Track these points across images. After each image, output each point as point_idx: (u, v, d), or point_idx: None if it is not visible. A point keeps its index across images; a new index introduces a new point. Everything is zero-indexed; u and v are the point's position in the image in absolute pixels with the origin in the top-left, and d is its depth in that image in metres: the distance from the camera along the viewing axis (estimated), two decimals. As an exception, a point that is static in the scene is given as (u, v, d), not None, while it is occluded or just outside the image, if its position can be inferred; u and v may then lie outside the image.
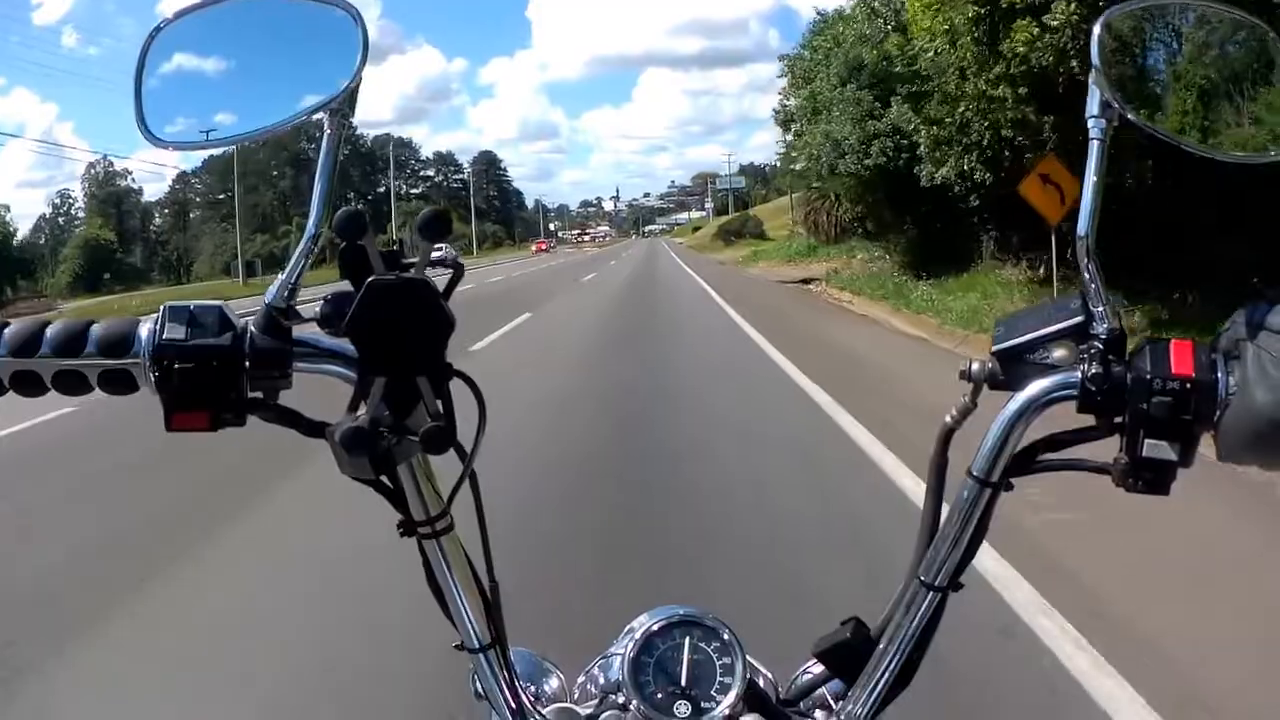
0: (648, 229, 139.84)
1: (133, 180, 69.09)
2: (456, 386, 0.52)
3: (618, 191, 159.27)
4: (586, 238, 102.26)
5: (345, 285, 0.51)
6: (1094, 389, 0.52)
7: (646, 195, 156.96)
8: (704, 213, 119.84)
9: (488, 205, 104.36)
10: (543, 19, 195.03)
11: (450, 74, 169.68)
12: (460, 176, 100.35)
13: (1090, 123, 0.55)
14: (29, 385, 0.54)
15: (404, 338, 0.51)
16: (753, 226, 55.77)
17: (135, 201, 69.34)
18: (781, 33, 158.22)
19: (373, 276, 0.51)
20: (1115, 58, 0.58)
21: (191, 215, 73.24)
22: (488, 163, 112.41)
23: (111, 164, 67.03)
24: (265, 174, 72.34)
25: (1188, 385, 0.51)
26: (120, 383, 0.54)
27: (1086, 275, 0.54)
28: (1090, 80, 0.56)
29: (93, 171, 66.86)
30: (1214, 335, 0.53)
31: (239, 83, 0.58)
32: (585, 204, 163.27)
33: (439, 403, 0.52)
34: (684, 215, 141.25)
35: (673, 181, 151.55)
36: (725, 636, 0.63)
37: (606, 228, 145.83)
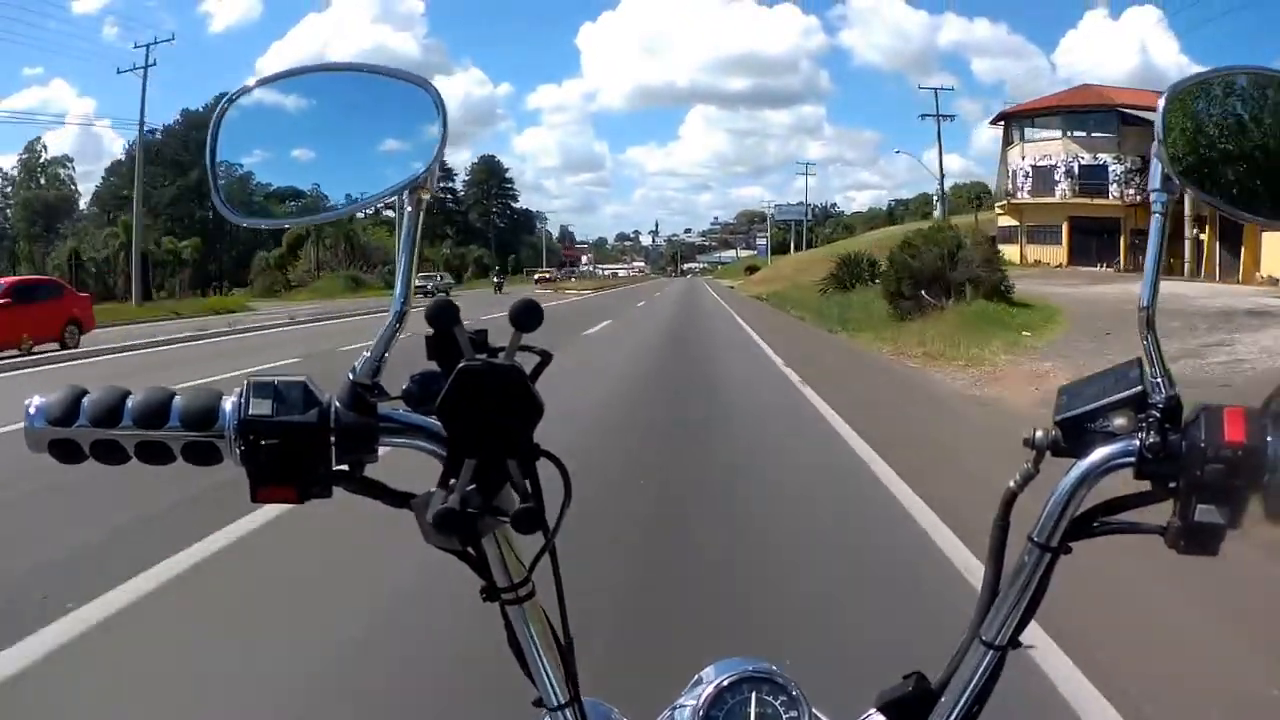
0: (686, 267, 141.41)
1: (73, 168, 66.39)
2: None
3: (657, 226, 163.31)
4: (559, 274, 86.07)
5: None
6: (1151, 457, 0.60)
7: (688, 231, 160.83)
8: (756, 250, 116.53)
9: (486, 224, 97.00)
10: (592, 48, 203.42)
11: (496, 98, 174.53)
12: (450, 186, 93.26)
13: (1153, 196, 0.64)
14: (111, 454, 0.62)
15: (494, 421, 0.59)
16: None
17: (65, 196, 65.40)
18: (831, 75, 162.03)
19: (463, 362, 0.58)
20: (1179, 131, 0.66)
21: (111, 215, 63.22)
22: (488, 171, 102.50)
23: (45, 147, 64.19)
24: (177, 163, 64.72)
25: (1239, 452, 0.58)
26: (204, 455, 0.62)
27: (1146, 345, 0.62)
28: (1152, 154, 0.64)
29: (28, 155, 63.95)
30: (1265, 402, 0.60)
31: (315, 156, 0.67)
32: (622, 236, 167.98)
33: (528, 483, 0.59)
34: (729, 253, 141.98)
35: (715, 218, 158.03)
36: (793, 692, 0.72)
37: (642, 263, 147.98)
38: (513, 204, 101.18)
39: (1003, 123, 44.42)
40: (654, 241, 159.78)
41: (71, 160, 67.24)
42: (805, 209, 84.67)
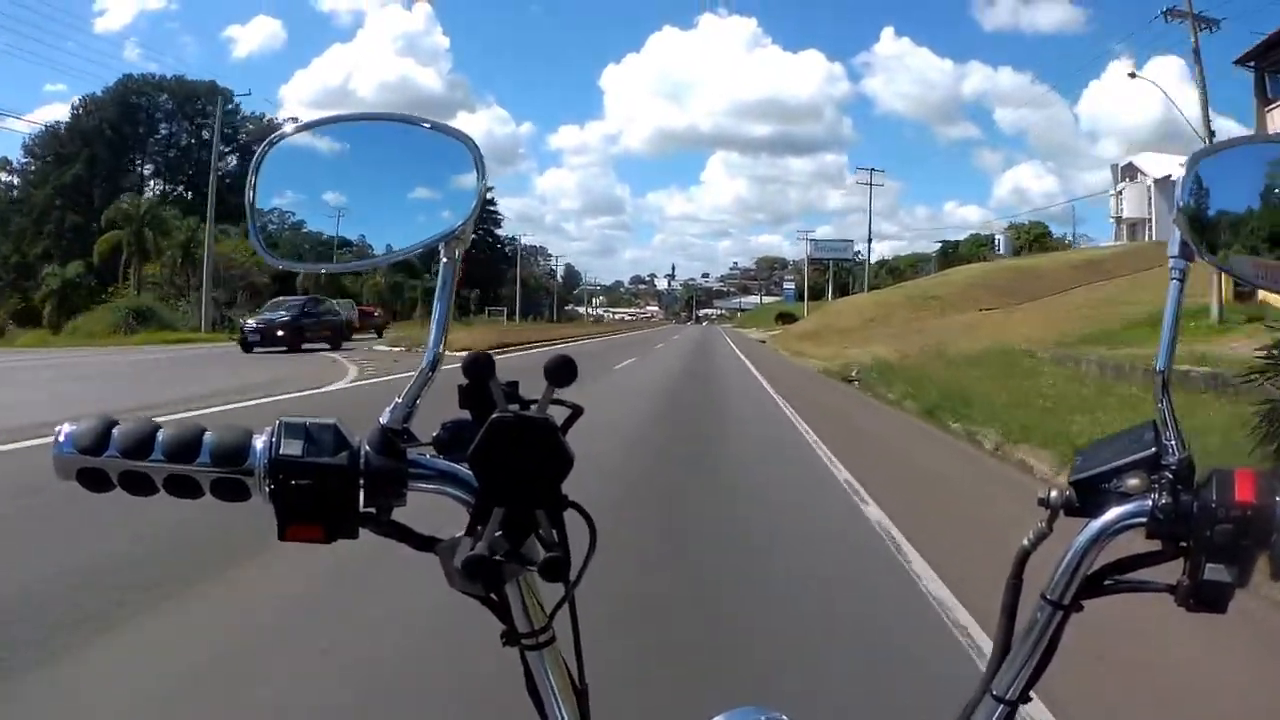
0: (703, 313, 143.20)
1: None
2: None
3: (673, 269, 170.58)
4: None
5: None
6: (1163, 518, 0.67)
7: (705, 276, 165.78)
8: (783, 296, 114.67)
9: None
10: (616, 90, 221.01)
11: (518, 137, 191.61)
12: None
13: (1171, 262, 0.72)
14: (140, 486, 0.69)
15: (524, 471, 0.65)
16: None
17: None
18: (855, 122, 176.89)
19: (496, 414, 0.65)
20: (1198, 200, 0.73)
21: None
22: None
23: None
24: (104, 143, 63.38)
25: (1248, 512, 0.65)
26: (233, 491, 0.69)
27: (1160, 408, 0.70)
28: (1172, 221, 0.72)
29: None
30: (1276, 465, 0.66)
31: (352, 203, 0.76)
32: (636, 280, 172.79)
33: (554, 532, 0.66)
34: (750, 299, 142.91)
35: (735, 263, 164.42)
36: None
37: (655, 307, 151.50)
38: (494, 230, 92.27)
39: (1254, 69, 24.65)
40: (669, 285, 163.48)
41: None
42: (869, 237, 71.93)
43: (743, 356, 30.76)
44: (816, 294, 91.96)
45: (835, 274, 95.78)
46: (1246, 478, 0.67)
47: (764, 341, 48.69)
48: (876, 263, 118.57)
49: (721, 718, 0.81)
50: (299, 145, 0.74)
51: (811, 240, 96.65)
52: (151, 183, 68.76)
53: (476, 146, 0.70)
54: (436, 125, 0.72)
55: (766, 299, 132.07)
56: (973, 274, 52.77)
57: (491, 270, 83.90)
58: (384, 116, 0.74)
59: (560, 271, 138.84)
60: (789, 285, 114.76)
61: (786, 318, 78.65)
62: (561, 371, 0.66)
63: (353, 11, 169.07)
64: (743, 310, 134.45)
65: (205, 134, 69.32)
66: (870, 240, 69.79)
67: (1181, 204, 0.71)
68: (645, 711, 2.78)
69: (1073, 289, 37.75)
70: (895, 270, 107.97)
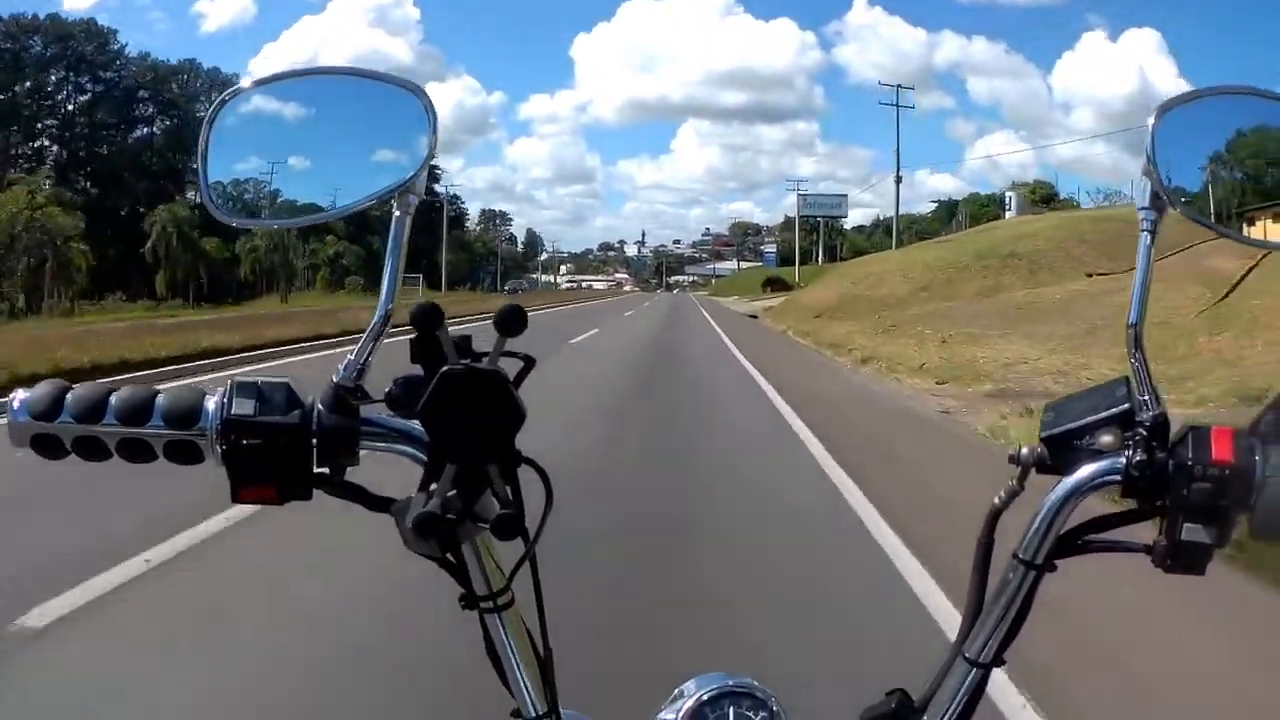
0: (674, 279, 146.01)
1: None
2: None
3: (643, 236, 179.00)
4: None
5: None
6: (1138, 475, 0.71)
7: (677, 242, 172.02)
8: (763, 260, 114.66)
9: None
10: (586, 59, 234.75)
11: (489, 107, 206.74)
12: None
13: (1141, 214, 0.77)
14: (93, 450, 0.73)
15: (476, 426, 0.69)
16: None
17: None
18: (827, 91, 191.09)
19: (446, 366, 0.68)
20: (1167, 150, 0.77)
21: None
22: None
23: None
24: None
25: (1226, 471, 0.69)
26: (186, 454, 0.73)
27: (1134, 363, 0.74)
28: (1142, 172, 0.77)
29: None
30: (1253, 422, 0.72)
31: (306, 159, 0.80)
32: (605, 247, 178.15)
33: (508, 490, 0.69)
34: (726, 265, 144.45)
35: (707, 229, 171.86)
36: (773, 707, 0.84)
37: (625, 275, 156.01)
38: (433, 187, 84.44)
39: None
40: (640, 252, 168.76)
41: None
42: (898, 176, 62.89)
43: (707, 321, 33.54)
44: (800, 257, 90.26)
45: (826, 234, 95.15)
46: (1224, 435, 0.70)
47: (755, 317, 40.69)
48: (871, 224, 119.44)
49: (692, 683, 0.87)
50: (253, 103, 0.78)
51: (800, 195, 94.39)
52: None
53: (427, 97, 0.74)
54: (387, 77, 0.76)
55: (743, 265, 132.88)
56: (1056, 226, 43.81)
57: (433, 235, 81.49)
58: (337, 70, 0.79)
59: (521, 237, 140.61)
60: (769, 249, 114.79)
61: (776, 284, 73.07)
62: (511, 322, 0.69)
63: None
64: (718, 276, 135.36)
65: (90, 86, 69.43)
66: (899, 179, 60.69)
67: (1150, 155, 0.75)
68: (613, 676, 2.91)
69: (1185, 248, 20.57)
70: (889, 231, 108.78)
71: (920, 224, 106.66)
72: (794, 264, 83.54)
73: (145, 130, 76.73)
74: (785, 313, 38.15)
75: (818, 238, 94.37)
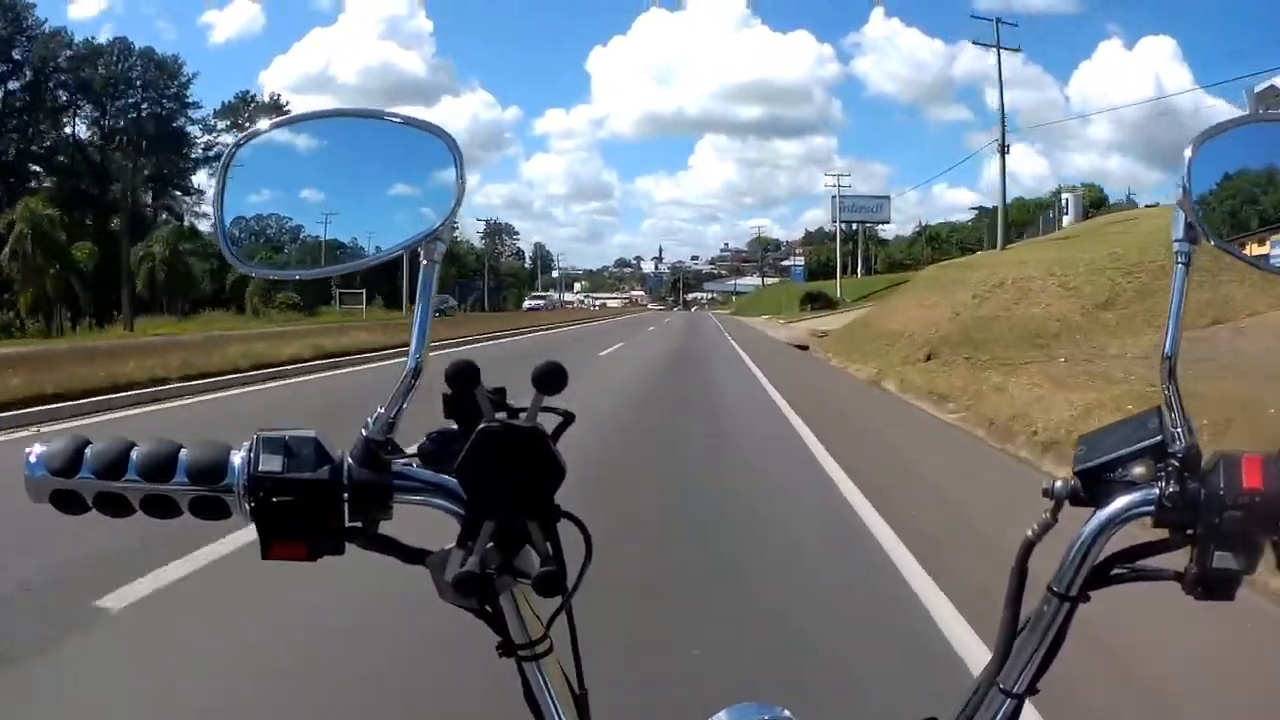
0: (691, 297, 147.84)
1: None
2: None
3: (660, 252, 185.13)
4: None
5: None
6: (1170, 506, 0.76)
7: (694, 259, 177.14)
8: (792, 275, 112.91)
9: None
10: (603, 74, 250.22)
11: (504, 122, 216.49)
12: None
13: (1175, 246, 0.82)
14: (116, 507, 0.77)
15: (514, 483, 0.73)
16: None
17: None
18: (844, 104, 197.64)
19: (483, 424, 0.73)
20: (1203, 182, 0.82)
21: None
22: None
23: None
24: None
25: (1257, 498, 0.75)
26: (212, 510, 0.77)
27: (1167, 394, 0.80)
28: (1176, 203, 0.82)
29: None
30: None
31: (328, 203, 0.84)
32: (621, 263, 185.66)
33: (548, 545, 0.73)
34: (748, 280, 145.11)
35: (725, 244, 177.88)
36: None
37: (641, 292, 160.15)
38: None
39: None
40: (656, 269, 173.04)
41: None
42: (1002, 145, 45.03)
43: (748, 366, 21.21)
44: (829, 272, 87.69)
45: (863, 242, 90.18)
46: (1254, 463, 0.76)
47: (805, 348, 28.80)
48: (914, 232, 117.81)
49: (723, 714, 0.92)
50: (272, 144, 0.82)
51: (837, 197, 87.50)
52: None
53: (455, 142, 0.78)
54: (412, 121, 0.80)
55: (766, 281, 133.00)
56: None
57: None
58: (359, 113, 0.83)
59: (530, 252, 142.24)
60: (796, 263, 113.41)
61: (816, 301, 66.27)
62: (550, 379, 0.73)
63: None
64: (738, 293, 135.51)
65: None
66: (1004, 149, 44.27)
67: (1185, 186, 0.80)
68: (645, 710, 3.04)
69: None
70: (935, 238, 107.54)
71: (961, 233, 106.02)
72: (831, 277, 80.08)
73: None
74: (855, 343, 25.05)
75: (855, 246, 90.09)
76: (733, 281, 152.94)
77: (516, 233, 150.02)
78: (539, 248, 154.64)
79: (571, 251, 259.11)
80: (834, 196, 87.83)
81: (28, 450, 0.78)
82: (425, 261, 0.78)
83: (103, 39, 73.80)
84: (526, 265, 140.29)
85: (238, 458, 0.76)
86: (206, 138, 74.46)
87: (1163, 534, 0.79)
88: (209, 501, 0.76)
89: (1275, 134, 0.88)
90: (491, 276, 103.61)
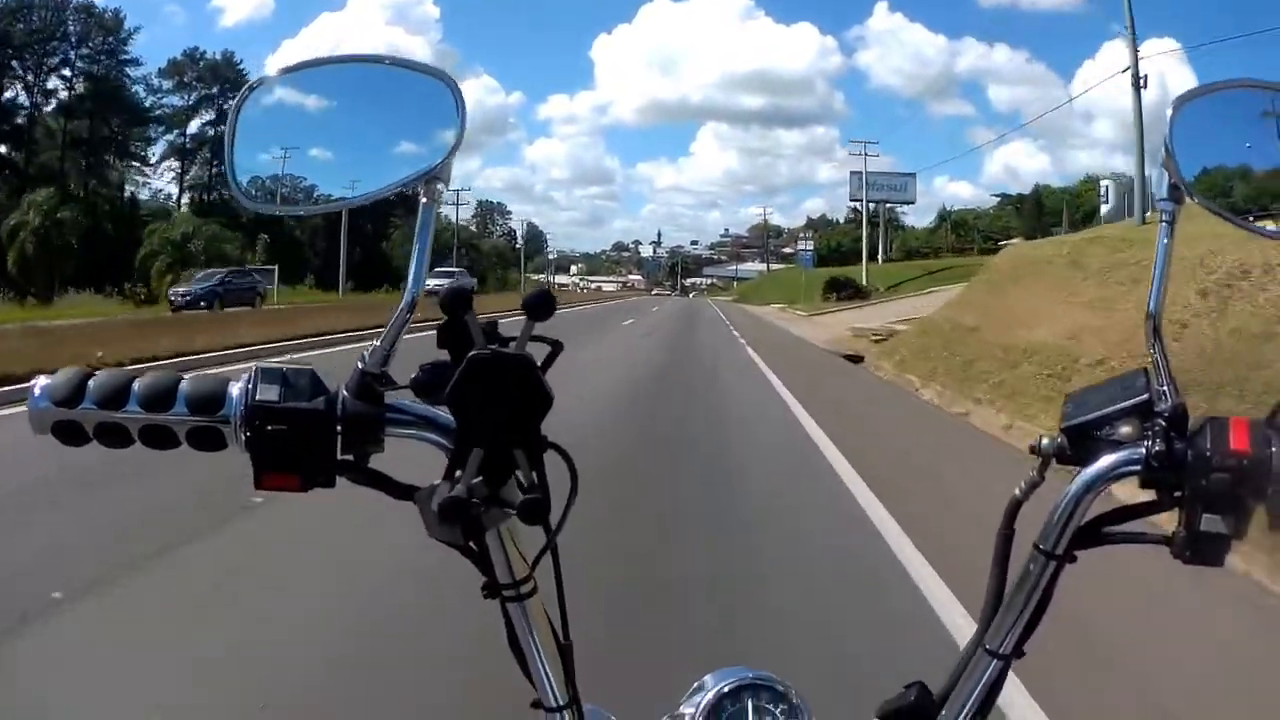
0: (690, 282, 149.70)
1: None
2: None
3: (659, 235, 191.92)
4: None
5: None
6: (1157, 465, 0.81)
7: (694, 243, 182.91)
8: (801, 261, 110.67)
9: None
10: (607, 60, 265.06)
11: (508, 107, 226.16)
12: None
13: (1159, 205, 0.89)
14: (115, 437, 0.83)
15: (503, 411, 0.77)
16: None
17: None
18: (847, 96, 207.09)
19: (474, 351, 0.77)
20: (1186, 142, 0.89)
21: None
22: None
23: None
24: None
25: (1244, 461, 0.79)
26: (209, 440, 0.83)
27: (1152, 353, 0.86)
28: (1160, 163, 0.89)
29: None
30: (1271, 411, 0.83)
31: (333, 147, 0.93)
32: (619, 246, 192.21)
33: (535, 475, 0.78)
34: (751, 266, 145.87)
35: (726, 230, 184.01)
36: (794, 700, 0.97)
37: (639, 277, 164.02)
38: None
39: None
40: (655, 252, 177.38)
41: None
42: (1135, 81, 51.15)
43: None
44: (841, 258, 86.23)
45: (884, 224, 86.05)
46: (1241, 426, 0.80)
47: (859, 360, 21.51)
48: (937, 217, 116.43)
49: (710, 676, 0.99)
50: (280, 91, 0.91)
51: (855, 173, 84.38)
52: None
53: (456, 84, 0.86)
54: (416, 65, 0.89)
55: (770, 266, 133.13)
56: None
57: (380, 220, 76.94)
58: (364, 59, 0.91)
59: (521, 232, 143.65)
60: (805, 246, 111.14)
61: (842, 289, 59.16)
62: (540, 306, 0.78)
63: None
64: (740, 279, 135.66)
65: None
66: (1139, 81, 39.98)
67: (1168, 146, 0.87)
68: (633, 671, 3.11)
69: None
70: (961, 225, 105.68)
71: (985, 220, 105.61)
72: (843, 263, 77.47)
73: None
74: (967, 366, 15.86)
75: (880, 225, 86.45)
76: (733, 267, 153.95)
77: (509, 212, 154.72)
78: (530, 227, 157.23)
79: (572, 236, 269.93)
80: (854, 172, 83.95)
81: (33, 383, 0.84)
82: (425, 200, 0.85)
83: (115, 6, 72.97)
84: (519, 244, 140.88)
85: (236, 389, 0.82)
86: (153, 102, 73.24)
87: (1151, 498, 0.84)
88: (206, 432, 0.82)
89: (1258, 100, 0.95)
90: (470, 255, 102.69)
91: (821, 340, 27.44)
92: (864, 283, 63.07)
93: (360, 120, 0.94)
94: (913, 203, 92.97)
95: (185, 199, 76.29)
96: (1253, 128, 0.95)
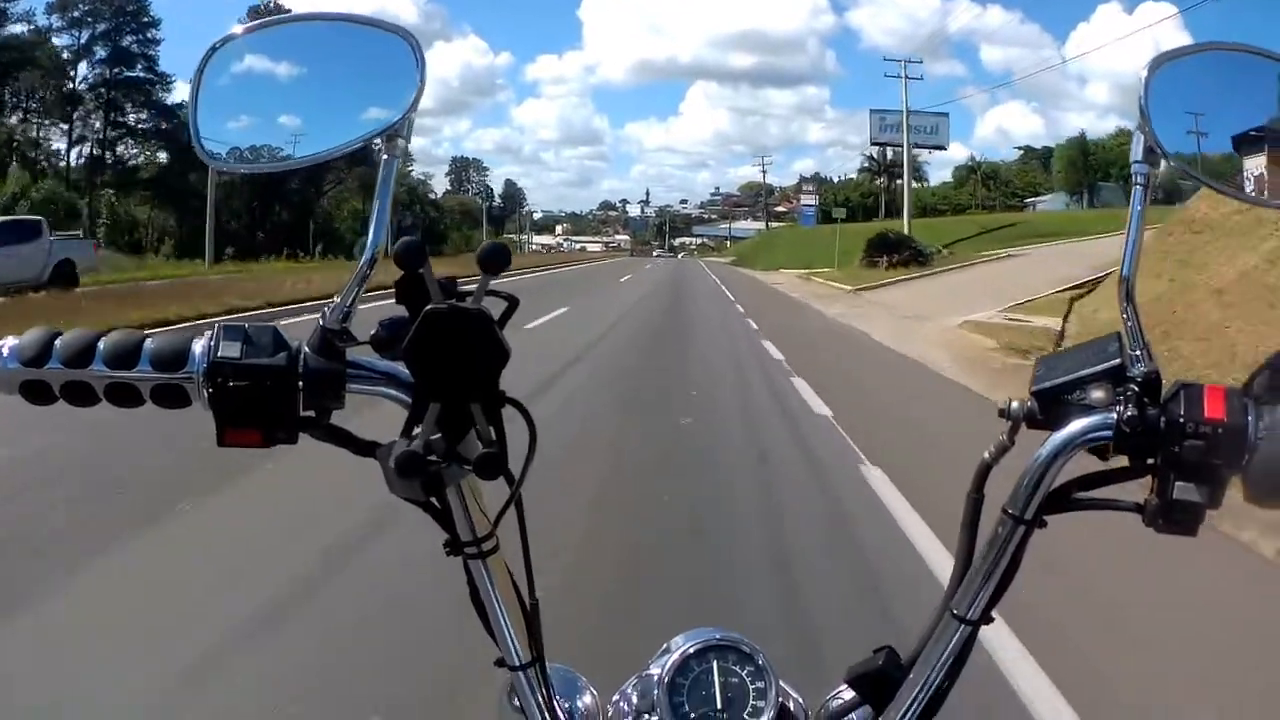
0: (679, 242, 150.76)
1: None
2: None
3: (647, 195, 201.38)
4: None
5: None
6: (1128, 431, 0.85)
7: (684, 202, 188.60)
8: (800, 218, 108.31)
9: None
10: (595, 20, 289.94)
11: (496, 68, 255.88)
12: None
13: (1134, 168, 0.94)
14: (81, 396, 0.90)
15: (460, 365, 0.83)
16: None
17: None
18: (839, 56, 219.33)
19: (430, 305, 0.83)
20: (1161, 104, 0.94)
21: None
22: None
23: None
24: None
25: (1219, 430, 0.83)
26: (173, 397, 0.89)
27: (1125, 317, 0.91)
28: (1135, 126, 0.95)
29: None
30: (1247, 381, 0.88)
31: (296, 104, 0.99)
32: (606, 205, 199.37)
33: (491, 429, 0.84)
34: (746, 225, 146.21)
35: (716, 189, 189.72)
36: (760, 661, 1.04)
37: (625, 236, 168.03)
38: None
39: None
40: (643, 212, 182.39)
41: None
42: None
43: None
44: (848, 215, 76.97)
45: (907, 173, 75.75)
46: (1217, 393, 0.85)
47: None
48: (965, 168, 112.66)
49: (680, 637, 1.07)
50: (243, 49, 0.98)
51: (877, 112, 77.01)
52: None
53: (416, 41, 0.93)
54: (376, 22, 0.96)
55: (760, 224, 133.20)
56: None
57: (312, 180, 71.44)
58: (326, 16, 0.98)
59: (498, 190, 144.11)
60: (807, 203, 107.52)
61: (893, 249, 46.13)
62: (495, 259, 0.85)
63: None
64: (735, 238, 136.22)
65: None
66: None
67: (1143, 108, 0.93)
68: (600, 631, 3.58)
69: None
70: (993, 176, 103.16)
71: (1007, 173, 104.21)
72: (908, 214, 65.39)
73: None
74: None
75: (904, 176, 76.05)
76: (725, 225, 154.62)
77: (486, 168, 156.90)
78: (509, 185, 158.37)
79: (562, 197, 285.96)
80: (875, 111, 75.94)
81: (0, 343, 0.90)
82: (385, 156, 0.92)
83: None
84: (497, 203, 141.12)
85: (199, 346, 0.88)
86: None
87: (1123, 464, 0.88)
88: (170, 389, 0.89)
89: (1234, 62, 1.01)
90: (429, 210, 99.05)
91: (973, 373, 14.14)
92: (917, 239, 50.01)
93: (322, 78, 1.01)
94: (944, 148, 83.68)
95: (75, 153, 70.56)
96: (1230, 90, 1.01)
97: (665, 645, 1.08)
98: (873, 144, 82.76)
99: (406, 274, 0.85)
